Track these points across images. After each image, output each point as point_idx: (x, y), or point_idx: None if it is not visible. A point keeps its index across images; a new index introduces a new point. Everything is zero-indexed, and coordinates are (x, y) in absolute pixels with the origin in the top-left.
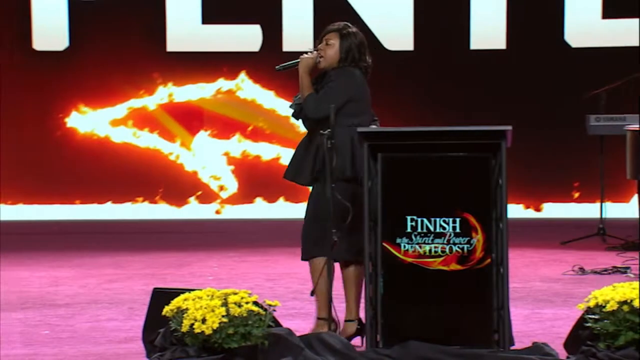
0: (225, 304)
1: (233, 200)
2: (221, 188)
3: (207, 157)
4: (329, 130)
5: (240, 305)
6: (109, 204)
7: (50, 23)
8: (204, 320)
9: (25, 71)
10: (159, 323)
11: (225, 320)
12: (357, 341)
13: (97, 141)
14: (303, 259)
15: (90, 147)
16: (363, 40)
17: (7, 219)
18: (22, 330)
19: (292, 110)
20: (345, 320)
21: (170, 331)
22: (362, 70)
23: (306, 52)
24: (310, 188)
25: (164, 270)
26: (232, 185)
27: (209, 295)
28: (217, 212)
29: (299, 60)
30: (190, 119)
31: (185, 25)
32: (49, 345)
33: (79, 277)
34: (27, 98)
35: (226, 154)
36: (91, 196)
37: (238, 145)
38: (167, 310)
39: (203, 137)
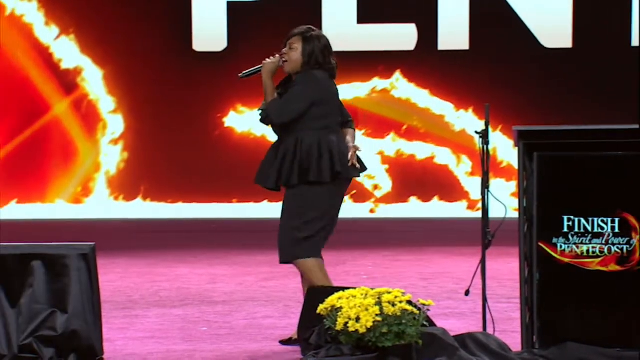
0: (379, 302)
1: (387, 199)
2: (375, 187)
3: (362, 156)
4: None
5: (394, 304)
6: (265, 202)
7: (209, 24)
8: (358, 319)
9: (185, 72)
10: (314, 321)
11: (379, 319)
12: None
13: (254, 140)
14: (284, 261)
15: (247, 146)
16: (327, 43)
17: (167, 217)
18: (182, 326)
19: (262, 114)
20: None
21: (325, 329)
22: (328, 72)
23: (269, 58)
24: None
25: None
26: (386, 185)
27: (363, 294)
28: (371, 211)
29: (261, 66)
30: None
31: (340, 25)
32: (207, 341)
33: (236, 274)
34: (187, 98)
35: (380, 153)
36: (248, 195)
37: (392, 144)
38: (321, 308)
39: (357, 136)
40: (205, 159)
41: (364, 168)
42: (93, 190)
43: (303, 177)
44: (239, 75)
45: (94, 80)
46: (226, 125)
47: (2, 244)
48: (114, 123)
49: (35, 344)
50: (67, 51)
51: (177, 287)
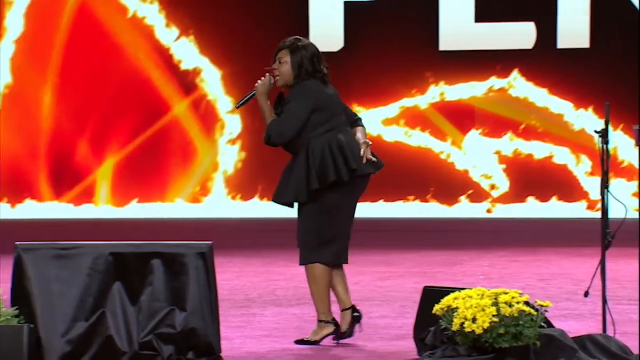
0: (496, 303)
1: (504, 199)
2: (492, 187)
3: (479, 156)
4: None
5: (511, 305)
6: (380, 202)
7: (326, 25)
8: (474, 320)
9: None
10: (430, 321)
11: (496, 320)
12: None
13: (369, 140)
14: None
15: None
16: (315, 51)
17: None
18: (299, 325)
19: (265, 136)
20: (342, 310)
21: (441, 330)
22: (319, 80)
23: (259, 80)
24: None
25: (435, 269)
26: (503, 184)
27: (480, 294)
28: (489, 211)
29: (254, 91)
30: (461, 117)
31: (458, 24)
32: (323, 341)
33: (352, 274)
34: None
35: (497, 152)
36: (363, 195)
37: (510, 144)
38: (437, 308)
39: (474, 136)
40: None
41: (380, 164)
42: (211, 190)
43: (323, 180)
44: (235, 106)
45: (212, 81)
46: None
47: (123, 242)
48: (232, 123)
49: (155, 342)
50: (187, 52)
51: (293, 286)
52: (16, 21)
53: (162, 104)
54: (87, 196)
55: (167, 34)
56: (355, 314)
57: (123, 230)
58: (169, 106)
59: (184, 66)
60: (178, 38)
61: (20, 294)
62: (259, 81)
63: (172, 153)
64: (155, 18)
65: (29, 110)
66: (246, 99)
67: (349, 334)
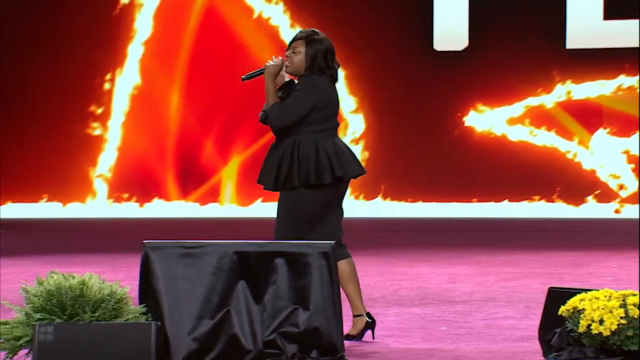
0: (624, 305)
1: (633, 199)
2: (620, 187)
3: (606, 155)
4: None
5: (639, 307)
6: (505, 202)
7: (450, 24)
8: (601, 321)
9: (425, 72)
10: (555, 322)
11: (624, 322)
12: (367, 335)
13: (494, 140)
14: None
15: (486, 145)
16: (330, 47)
17: (406, 216)
18: (422, 325)
19: (262, 116)
20: (354, 316)
21: (567, 331)
22: (329, 77)
23: (270, 60)
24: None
25: (561, 270)
26: (632, 184)
27: (607, 295)
28: (617, 211)
29: (263, 68)
30: (588, 116)
31: (586, 22)
32: (446, 341)
33: (476, 274)
34: (427, 98)
35: (626, 152)
36: (487, 194)
37: (638, 143)
38: (563, 310)
39: (602, 135)
40: (444, 158)
41: (362, 171)
42: None
43: (304, 179)
44: (242, 77)
45: None
46: (466, 124)
47: (247, 241)
48: (355, 123)
49: (279, 340)
50: None
51: (417, 285)
52: (145, 23)
53: None
54: (213, 195)
55: (292, 34)
56: (368, 320)
57: (247, 229)
58: None
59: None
60: None
61: (147, 292)
62: (270, 61)
63: None
64: (280, 18)
65: (157, 110)
66: (254, 74)
67: None
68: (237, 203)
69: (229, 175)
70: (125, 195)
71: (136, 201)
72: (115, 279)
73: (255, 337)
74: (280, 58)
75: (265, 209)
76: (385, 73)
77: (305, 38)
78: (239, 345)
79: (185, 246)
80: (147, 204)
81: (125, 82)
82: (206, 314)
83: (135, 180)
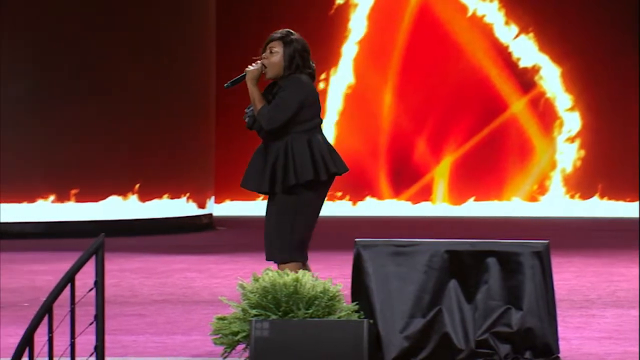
0: None
1: None
2: None
3: None
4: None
5: None
6: None
7: None
8: None
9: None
10: None
11: None
12: None
13: None
14: (273, 260)
15: None
16: (305, 46)
17: (625, 216)
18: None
19: (249, 121)
20: None
21: None
22: (308, 75)
23: (250, 65)
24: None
25: None
26: None
27: None
28: None
29: (244, 73)
30: None
31: None
32: None
33: None
34: None
35: None
36: None
37: None
38: None
39: None
40: None
41: (347, 168)
42: (549, 189)
43: (301, 177)
44: (225, 85)
45: (551, 78)
46: None
47: (458, 240)
48: (571, 121)
49: (492, 340)
50: (526, 50)
51: (634, 287)
52: (359, 23)
53: (500, 101)
54: (425, 194)
55: (506, 32)
56: None
57: (459, 228)
58: (506, 104)
59: (522, 63)
60: (517, 35)
61: (359, 290)
62: (250, 66)
63: (510, 151)
64: (494, 16)
65: (370, 109)
66: (236, 80)
67: None
68: (449, 202)
69: (441, 174)
70: (339, 194)
71: (349, 199)
72: (328, 276)
73: (467, 337)
74: (260, 62)
75: (478, 207)
76: (602, 71)
77: (282, 39)
78: (451, 344)
79: (397, 244)
80: (359, 203)
81: (339, 81)
82: (418, 312)
83: (348, 179)
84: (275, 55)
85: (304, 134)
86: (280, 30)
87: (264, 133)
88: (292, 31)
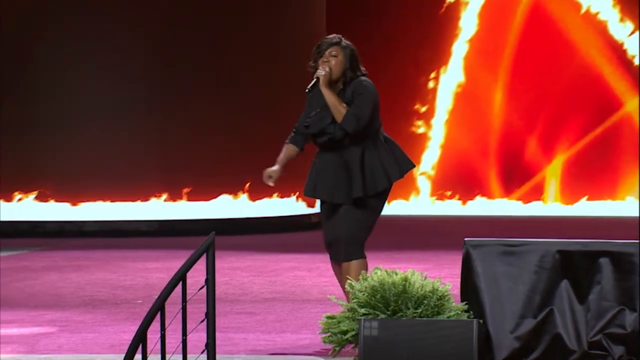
0: None
1: None
2: None
3: None
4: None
5: None
6: None
7: None
8: None
9: None
10: None
11: None
12: None
13: None
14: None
15: None
16: (354, 48)
17: None
18: None
19: (313, 128)
20: None
21: None
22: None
23: (319, 70)
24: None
25: None
26: None
27: None
28: None
29: (317, 79)
30: None
31: None
32: None
33: None
34: None
35: None
36: None
37: None
38: None
39: None
40: None
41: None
42: None
43: (390, 179)
44: (306, 91)
45: None
46: None
47: (570, 240)
48: None
49: (605, 341)
50: None
51: None
52: (470, 21)
53: (614, 100)
54: (536, 193)
55: (621, 29)
56: None
57: (571, 228)
58: (620, 102)
59: (637, 61)
60: (632, 32)
61: (468, 289)
62: (319, 71)
63: (624, 150)
64: (608, 13)
65: (480, 108)
66: (313, 84)
67: None
68: (561, 201)
69: (553, 173)
70: (448, 193)
71: (459, 199)
72: (438, 276)
73: (579, 338)
74: (326, 66)
75: (591, 207)
76: None
77: (338, 43)
78: (562, 345)
79: (507, 244)
80: (469, 202)
81: (450, 80)
82: (529, 312)
83: (458, 178)
84: (336, 59)
85: (375, 136)
86: (331, 35)
87: (345, 136)
88: (341, 36)
